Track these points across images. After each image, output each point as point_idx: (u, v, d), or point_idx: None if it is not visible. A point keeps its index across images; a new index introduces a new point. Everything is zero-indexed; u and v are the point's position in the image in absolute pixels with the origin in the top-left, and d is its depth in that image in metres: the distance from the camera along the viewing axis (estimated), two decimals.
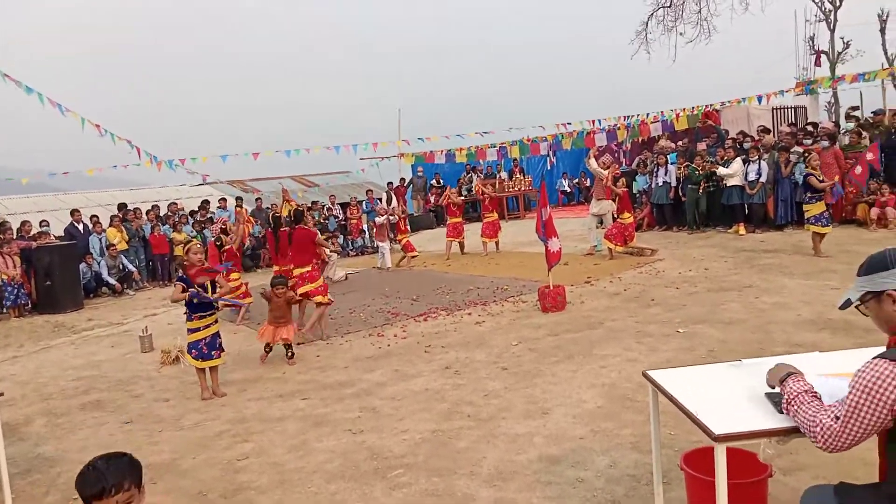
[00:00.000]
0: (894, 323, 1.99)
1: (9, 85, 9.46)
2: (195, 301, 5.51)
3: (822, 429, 1.90)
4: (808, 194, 9.18)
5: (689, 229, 12.48)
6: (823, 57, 24.43)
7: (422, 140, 19.37)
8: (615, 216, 10.83)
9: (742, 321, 6.21)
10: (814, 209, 9.03)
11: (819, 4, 24.80)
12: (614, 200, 10.81)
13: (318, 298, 7.25)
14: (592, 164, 11.19)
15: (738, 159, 11.71)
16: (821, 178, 9.18)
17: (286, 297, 6.53)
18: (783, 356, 2.51)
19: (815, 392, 2.05)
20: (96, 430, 5.08)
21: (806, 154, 10.90)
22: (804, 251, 9.36)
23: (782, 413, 2.11)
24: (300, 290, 7.19)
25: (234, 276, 8.72)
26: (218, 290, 5.72)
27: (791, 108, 17.35)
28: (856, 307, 2.08)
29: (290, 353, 6.52)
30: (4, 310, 11.00)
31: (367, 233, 15.64)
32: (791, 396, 2.06)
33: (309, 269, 7.30)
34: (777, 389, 2.18)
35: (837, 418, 1.88)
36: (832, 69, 24.28)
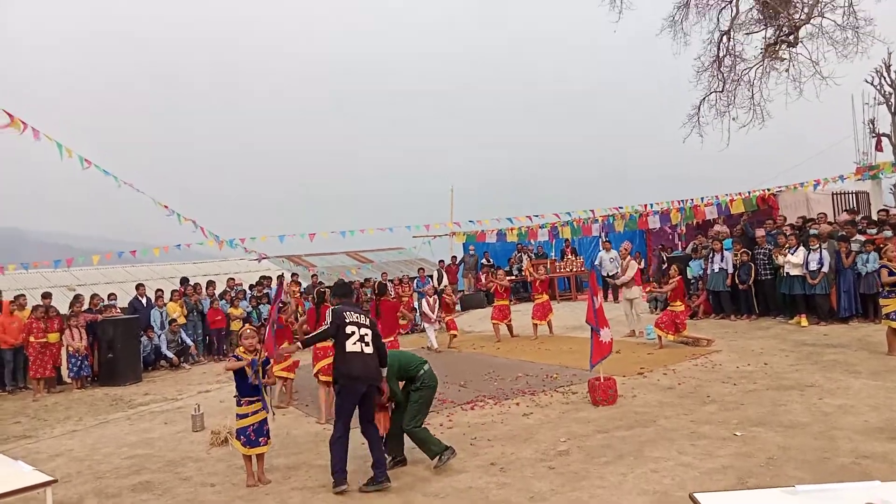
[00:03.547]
0: None
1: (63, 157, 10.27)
2: (248, 379, 5.61)
3: None
4: (887, 288, 8.69)
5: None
6: (885, 140, 23.91)
7: (472, 223, 19.71)
8: (668, 303, 10.65)
9: (804, 425, 5.91)
10: (893, 304, 8.50)
11: (878, 88, 24.48)
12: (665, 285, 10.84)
13: None
14: (627, 262, 12.30)
15: (803, 248, 11.38)
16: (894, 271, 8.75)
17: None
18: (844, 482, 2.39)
19: None
20: None
21: (869, 243, 10.57)
22: (871, 347, 8.92)
23: None
24: None
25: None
26: (266, 372, 5.84)
27: (852, 193, 16.92)
28: None
29: None
30: (68, 380, 11.46)
31: (417, 310, 15.75)
32: None
33: (392, 339, 7.45)
34: None
35: None
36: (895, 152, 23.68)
